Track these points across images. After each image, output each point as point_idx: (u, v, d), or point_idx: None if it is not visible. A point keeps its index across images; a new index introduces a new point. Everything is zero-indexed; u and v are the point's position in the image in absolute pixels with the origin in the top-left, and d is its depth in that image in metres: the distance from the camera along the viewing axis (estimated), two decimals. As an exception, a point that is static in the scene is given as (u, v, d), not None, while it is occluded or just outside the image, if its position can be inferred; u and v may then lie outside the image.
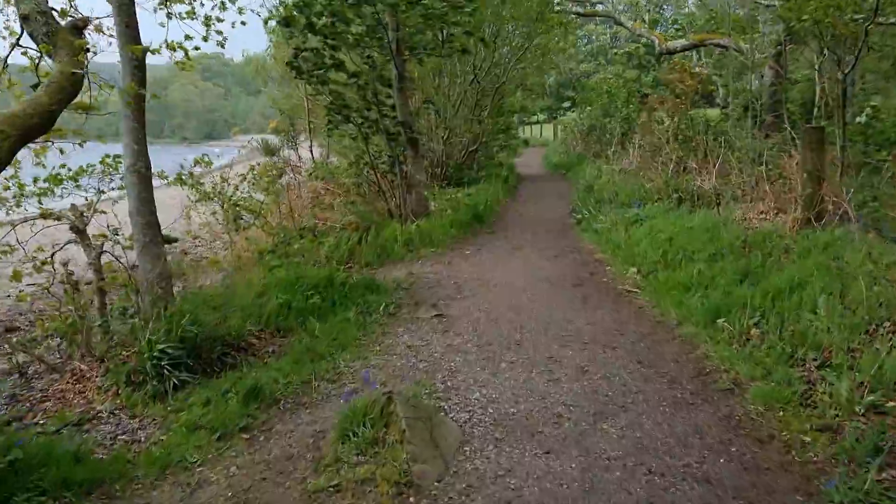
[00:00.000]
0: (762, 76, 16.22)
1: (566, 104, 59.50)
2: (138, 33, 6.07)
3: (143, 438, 4.44)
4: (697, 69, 15.23)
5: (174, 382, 4.99)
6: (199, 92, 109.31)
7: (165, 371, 5.02)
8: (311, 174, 12.17)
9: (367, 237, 9.95)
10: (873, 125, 13.67)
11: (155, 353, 5.05)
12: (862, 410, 3.85)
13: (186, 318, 5.40)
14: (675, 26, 30.29)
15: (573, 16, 23.06)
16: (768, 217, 8.94)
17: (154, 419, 4.68)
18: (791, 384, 4.33)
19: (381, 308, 6.84)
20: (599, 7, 23.53)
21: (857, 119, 13.09)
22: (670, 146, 13.08)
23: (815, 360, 4.60)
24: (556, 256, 9.32)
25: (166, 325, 5.32)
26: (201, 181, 10.24)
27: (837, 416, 3.91)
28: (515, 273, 8.38)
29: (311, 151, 13.22)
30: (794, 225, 7.99)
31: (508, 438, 3.98)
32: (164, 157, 10.66)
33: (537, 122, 52.78)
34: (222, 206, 10.09)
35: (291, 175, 12.83)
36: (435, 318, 6.54)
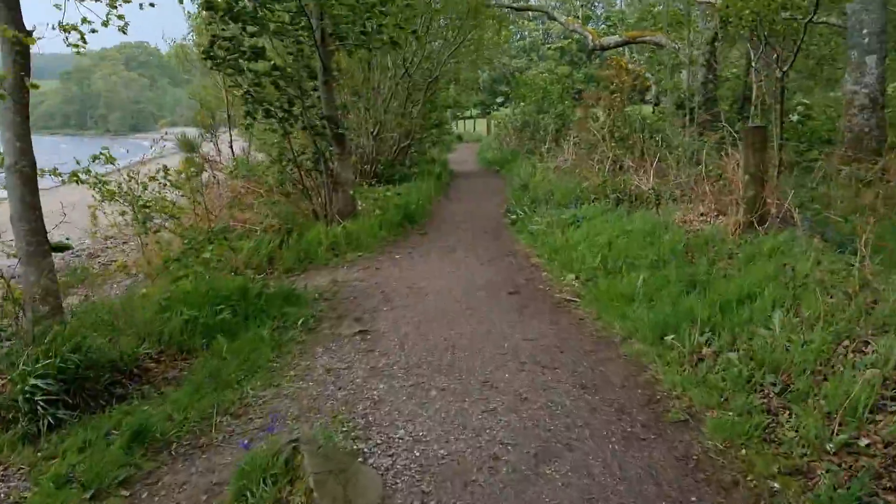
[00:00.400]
0: (695, 74, 16.12)
1: (499, 99, 59.47)
2: (20, 14, 5.32)
3: (3, 494, 3.71)
4: (632, 66, 14.96)
5: (49, 421, 4.26)
6: (123, 82, 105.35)
7: (39, 408, 4.29)
8: (231, 172, 11.36)
9: (288, 240, 9.27)
10: (806, 123, 13.68)
11: (27, 387, 4.31)
12: (833, 449, 3.43)
13: (69, 343, 4.67)
14: (608, 23, 30.23)
15: (507, 10, 22.69)
16: (709, 219, 8.63)
17: (21, 468, 3.95)
18: (751, 415, 3.90)
19: (300, 323, 6.19)
20: (533, 2, 23.20)
21: (791, 117, 13.05)
22: (606, 144, 12.75)
23: (774, 384, 4.18)
24: (491, 260, 8.82)
25: (44, 352, 4.58)
26: (105, 179, 9.40)
27: (806, 455, 3.48)
28: (448, 279, 7.84)
29: (232, 147, 12.37)
30: (737, 228, 7.67)
31: (437, 491, 3.41)
32: (87, 150, 9.81)
33: (471, 117, 52.46)
34: (132, 208, 9.25)
35: (211, 172, 11.99)
36: (358, 335, 5.93)
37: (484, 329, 5.98)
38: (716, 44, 15.49)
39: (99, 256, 12.57)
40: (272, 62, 9.86)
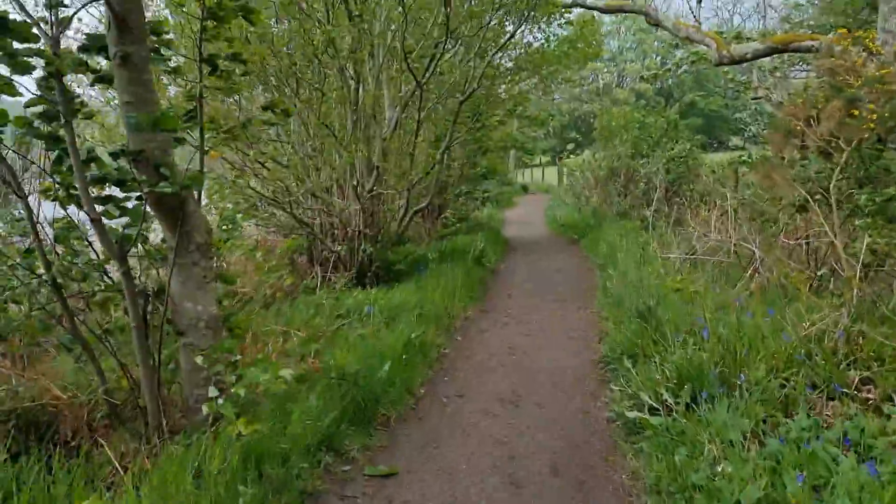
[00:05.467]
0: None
1: (570, 146, 53.15)
2: None
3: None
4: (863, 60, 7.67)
5: None
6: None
7: None
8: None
9: None
10: None
11: None
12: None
13: None
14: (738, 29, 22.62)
15: (593, 10, 16.05)
16: None
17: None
18: None
19: None
20: (630, 1, 16.31)
21: None
22: (833, 219, 5.56)
23: None
24: None
25: None
26: None
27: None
28: None
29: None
30: None
31: None
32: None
33: (539, 165, 46.04)
34: None
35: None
36: None
37: None
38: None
39: None
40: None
